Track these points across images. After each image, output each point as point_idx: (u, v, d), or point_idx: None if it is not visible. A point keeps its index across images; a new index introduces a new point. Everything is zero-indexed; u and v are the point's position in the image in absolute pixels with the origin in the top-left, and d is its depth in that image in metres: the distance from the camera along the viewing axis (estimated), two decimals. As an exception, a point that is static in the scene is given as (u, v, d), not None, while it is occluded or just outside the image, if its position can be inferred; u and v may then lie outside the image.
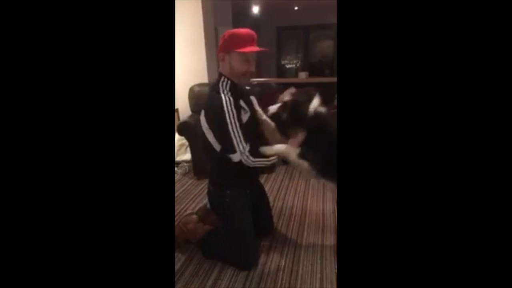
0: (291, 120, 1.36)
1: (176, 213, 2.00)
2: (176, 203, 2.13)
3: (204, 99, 1.45)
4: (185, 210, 2.03)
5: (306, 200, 2.16)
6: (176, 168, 2.71)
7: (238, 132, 1.31)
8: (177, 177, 2.63)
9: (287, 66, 7.16)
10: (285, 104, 1.38)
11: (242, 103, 1.41)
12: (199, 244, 1.60)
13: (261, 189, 1.74)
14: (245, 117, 1.40)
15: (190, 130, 2.44)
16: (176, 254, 1.59)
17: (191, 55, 3.06)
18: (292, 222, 1.89)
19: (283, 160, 1.43)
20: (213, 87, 1.41)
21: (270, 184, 2.42)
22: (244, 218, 1.48)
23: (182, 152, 2.87)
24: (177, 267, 1.50)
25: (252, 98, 1.52)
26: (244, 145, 1.33)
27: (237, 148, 1.32)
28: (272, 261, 1.52)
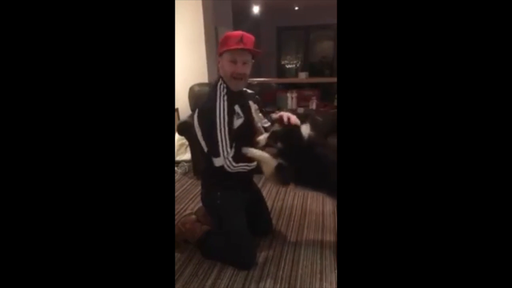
0: (281, 147, 1.34)
1: (175, 212, 2.00)
2: (175, 203, 2.13)
3: (203, 98, 1.46)
4: (185, 210, 2.03)
5: (306, 200, 2.16)
6: (176, 168, 2.71)
7: (225, 137, 1.33)
8: (177, 176, 2.63)
9: (287, 66, 7.16)
10: (273, 134, 1.36)
11: (237, 108, 1.41)
12: (197, 244, 1.60)
13: (255, 190, 1.75)
14: (237, 122, 1.40)
15: (190, 129, 2.43)
16: (175, 253, 1.59)
17: (191, 55, 3.05)
18: (292, 222, 1.89)
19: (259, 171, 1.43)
20: (212, 89, 1.42)
21: (270, 184, 2.41)
22: (237, 219, 1.48)
23: (182, 152, 2.87)
24: (176, 266, 1.50)
25: (251, 103, 1.50)
26: (229, 150, 1.34)
27: (221, 153, 1.33)
28: (272, 261, 1.53)
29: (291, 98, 3.48)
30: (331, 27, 6.27)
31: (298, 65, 7.06)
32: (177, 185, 2.45)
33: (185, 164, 2.73)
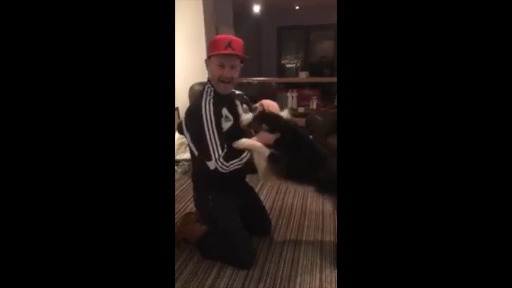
0: (264, 125, 1.39)
1: (175, 211, 2.00)
2: (175, 202, 2.13)
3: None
4: (185, 209, 2.04)
5: (306, 200, 2.16)
6: (176, 167, 2.71)
7: (215, 141, 1.32)
8: (177, 176, 2.63)
9: (288, 66, 7.16)
10: (256, 117, 1.40)
11: (225, 111, 1.41)
12: (197, 244, 1.60)
13: (249, 190, 1.75)
14: (226, 125, 1.40)
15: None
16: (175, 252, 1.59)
17: (192, 54, 3.06)
18: (291, 222, 1.89)
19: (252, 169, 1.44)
20: (199, 93, 1.42)
21: (270, 184, 2.41)
22: (230, 220, 1.48)
23: (182, 151, 2.87)
24: (176, 266, 1.50)
25: (238, 103, 1.48)
26: (220, 153, 1.33)
27: (212, 156, 1.33)
28: (271, 261, 1.53)
29: (291, 97, 3.48)
30: (331, 27, 6.27)
31: (298, 65, 7.06)
32: (177, 184, 2.45)
33: (185, 163, 2.73)
